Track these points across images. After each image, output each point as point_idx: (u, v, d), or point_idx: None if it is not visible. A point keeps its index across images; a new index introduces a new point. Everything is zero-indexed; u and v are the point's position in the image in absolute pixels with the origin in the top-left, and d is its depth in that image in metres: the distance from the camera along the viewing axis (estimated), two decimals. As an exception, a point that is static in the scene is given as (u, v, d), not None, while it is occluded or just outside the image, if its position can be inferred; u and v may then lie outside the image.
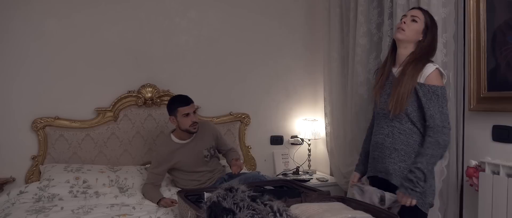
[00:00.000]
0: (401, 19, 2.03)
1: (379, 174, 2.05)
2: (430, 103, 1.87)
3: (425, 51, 1.97)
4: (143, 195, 2.61)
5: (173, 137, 2.75)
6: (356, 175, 2.25)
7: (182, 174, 2.73)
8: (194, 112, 2.68)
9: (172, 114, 2.68)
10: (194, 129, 2.68)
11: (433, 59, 2.02)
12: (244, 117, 3.44)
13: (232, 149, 2.96)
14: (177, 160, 2.67)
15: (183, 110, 2.63)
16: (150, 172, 2.69)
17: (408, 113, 1.92)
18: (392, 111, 1.94)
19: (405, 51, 2.00)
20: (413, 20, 1.97)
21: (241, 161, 2.79)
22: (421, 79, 1.90)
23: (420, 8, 2.06)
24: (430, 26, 1.98)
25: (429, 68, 1.90)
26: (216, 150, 2.86)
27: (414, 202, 1.84)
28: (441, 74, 1.93)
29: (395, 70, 2.02)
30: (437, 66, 1.93)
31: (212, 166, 2.80)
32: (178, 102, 2.67)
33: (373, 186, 2.13)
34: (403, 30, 1.97)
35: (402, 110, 1.92)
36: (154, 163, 2.70)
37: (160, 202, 2.47)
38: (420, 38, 1.98)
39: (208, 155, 2.76)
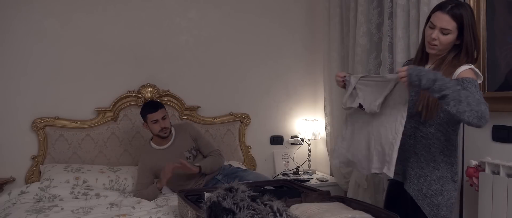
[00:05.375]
0: (427, 25, 1.79)
1: (394, 177, 1.94)
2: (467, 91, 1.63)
3: (463, 51, 1.75)
4: (139, 198, 2.60)
5: (152, 144, 2.80)
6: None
7: (172, 179, 2.67)
8: (164, 118, 2.70)
9: (144, 120, 2.73)
10: (165, 133, 2.70)
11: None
12: (244, 117, 3.44)
13: (212, 152, 2.83)
14: (161, 166, 2.64)
15: (151, 116, 2.68)
16: (138, 182, 2.71)
17: (439, 116, 1.77)
18: (423, 114, 1.77)
19: (437, 55, 1.81)
20: (444, 34, 1.74)
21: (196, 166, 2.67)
22: (454, 77, 1.74)
23: (448, 12, 1.71)
24: (467, 24, 1.71)
25: (462, 68, 1.73)
26: (198, 151, 2.85)
27: (404, 79, 1.62)
28: (476, 74, 1.75)
29: (428, 67, 1.83)
30: (472, 66, 1.74)
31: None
32: (147, 108, 2.71)
33: (389, 190, 2.07)
34: (435, 45, 1.76)
35: (434, 115, 1.76)
36: (140, 173, 2.73)
37: (158, 184, 2.58)
38: (457, 43, 1.77)
39: (190, 156, 2.78)
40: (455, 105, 1.56)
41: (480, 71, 2.08)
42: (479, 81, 1.79)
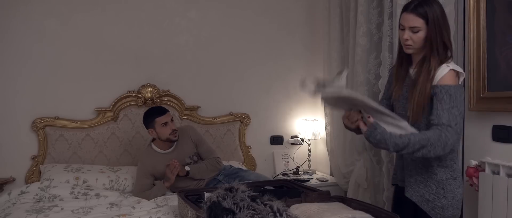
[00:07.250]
0: (400, 28, 1.82)
1: (399, 183, 1.98)
2: (439, 103, 1.70)
3: (435, 46, 1.76)
4: (141, 198, 2.59)
5: (154, 147, 2.74)
6: None
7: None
8: (172, 120, 2.69)
9: (150, 127, 2.69)
10: (175, 136, 2.69)
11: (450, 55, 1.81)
12: (244, 117, 3.44)
13: (210, 159, 2.79)
14: (161, 171, 2.64)
15: (160, 119, 2.64)
16: (138, 183, 2.68)
17: (427, 119, 1.77)
18: (411, 117, 1.78)
19: (418, 55, 1.84)
20: (414, 32, 1.77)
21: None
22: (434, 82, 1.76)
23: (412, 11, 1.76)
24: (431, 19, 1.74)
25: (443, 70, 1.75)
26: (198, 156, 2.83)
27: (364, 128, 1.67)
28: (457, 74, 1.77)
29: (412, 71, 1.87)
30: (451, 67, 1.76)
31: None
32: (154, 113, 2.68)
33: (395, 194, 2.07)
34: (410, 45, 1.80)
35: (420, 116, 1.77)
36: (139, 173, 2.69)
37: (166, 183, 2.60)
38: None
39: (190, 162, 2.76)
40: (420, 151, 1.67)
41: (480, 71, 2.10)
42: (462, 78, 1.80)
